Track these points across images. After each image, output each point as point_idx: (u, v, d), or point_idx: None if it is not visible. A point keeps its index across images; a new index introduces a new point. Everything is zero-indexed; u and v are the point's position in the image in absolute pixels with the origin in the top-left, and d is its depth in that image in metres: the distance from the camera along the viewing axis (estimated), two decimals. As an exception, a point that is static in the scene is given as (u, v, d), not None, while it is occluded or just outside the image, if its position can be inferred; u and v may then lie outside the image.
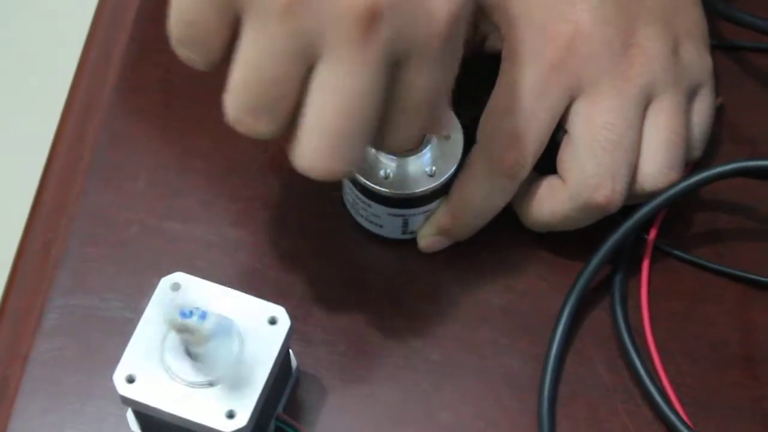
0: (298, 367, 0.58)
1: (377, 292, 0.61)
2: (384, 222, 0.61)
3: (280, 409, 0.57)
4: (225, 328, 0.52)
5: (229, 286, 0.55)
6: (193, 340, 0.51)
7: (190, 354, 0.52)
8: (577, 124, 0.59)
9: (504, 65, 0.59)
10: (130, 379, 0.53)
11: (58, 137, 0.66)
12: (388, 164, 0.59)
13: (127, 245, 0.62)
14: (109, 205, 0.63)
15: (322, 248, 0.62)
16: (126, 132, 0.65)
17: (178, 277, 0.55)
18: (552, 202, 0.60)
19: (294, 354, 0.58)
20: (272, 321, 0.54)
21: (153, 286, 0.56)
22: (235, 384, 0.53)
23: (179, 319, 0.50)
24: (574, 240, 0.61)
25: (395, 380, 0.59)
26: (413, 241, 0.62)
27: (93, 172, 0.64)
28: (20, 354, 0.60)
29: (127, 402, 0.53)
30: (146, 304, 0.55)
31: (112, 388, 0.53)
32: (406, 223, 0.61)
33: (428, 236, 0.61)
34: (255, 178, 0.64)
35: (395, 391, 0.59)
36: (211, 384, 0.53)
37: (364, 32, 0.49)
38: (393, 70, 0.51)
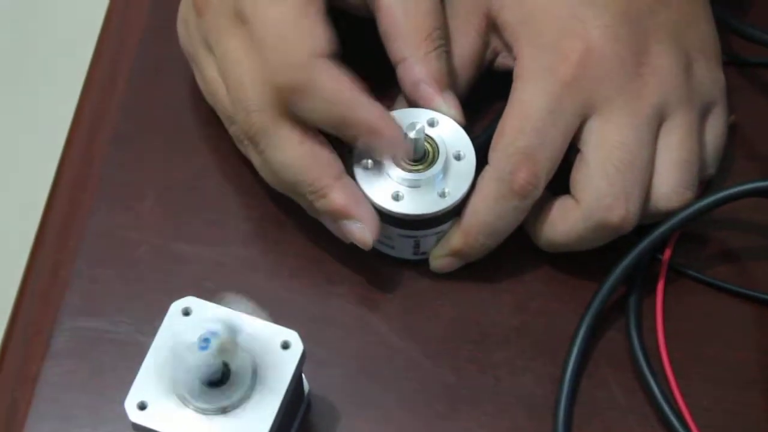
0: (310, 390, 0.57)
1: (389, 314, 0.60)
2: (395, 243, 0.60)
3: (292, 433, 0.57)
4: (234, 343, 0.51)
5: (239, 309, 0.54)
6: (228, 355, 0.50)
7: (208, 382, 0.52)
8: (590, 143, 0.58)
9: (516, 84, 0.59)
10: (142, 406, 0.52)
11: (65, 156, 0.65)
12: (399, 185, 0.58)
13: (136, 266, 0.62)
14: (117, 226, 0.63)
15: (333, 269, 0.61)
16: (134, 151, 0.65)
17: (189, 301, 0.54)
18: (565, 223, 0.59)
19: (306, 377, 0.57)
20: (285, 345, 0.53)
21: (163, 309, 0.55)
22: (249, 410, 0.52)
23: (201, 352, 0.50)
24: (588, 260, 0.60)
25: (409, 403, 0.58)
26: (425, 262, 0.61)
27: (101, 191, 0.64)
28: (30, 377, 0.59)
29: (138, 429, 0.52)
30: (157, 327, 0.54)
31: (123, 412, 0.52)
32: (417, 245, 0.60)
33: (440, 257, 0.61)
34: (264, 197, 0.63)
35: (409, 414, 0.58)
36: (223, 411, 0.52)
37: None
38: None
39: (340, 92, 0.57)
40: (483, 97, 0.63)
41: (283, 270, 0.62)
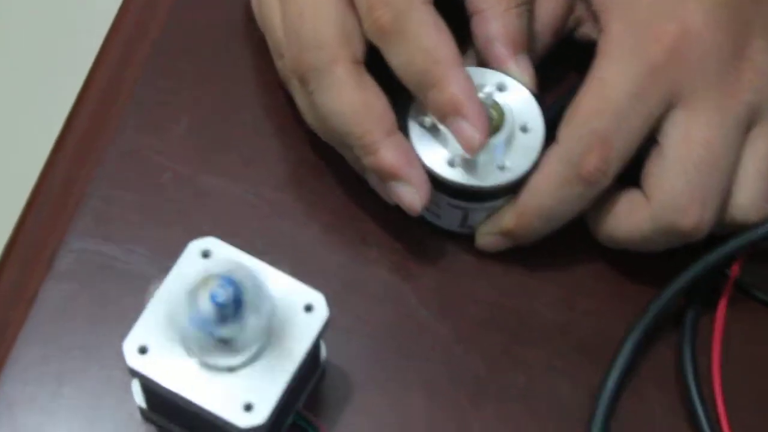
0: (327, 358, 0.52)
1: (424, 288, 0.55)
2: (442, 212, 0.55)
3: (301, 402, 0.52)
4: (256, 297, 0.46)
5: (262, 256, 0.49)
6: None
7: (213, 334, 0.47)
8: (671, 135, 0.53)
9: (598, 60, 0.54)
10: (143, 350, 0.47)
11: (97, 65, 0.60)
12: (456, 149, 0.53)
13: (157, 193, 0.57)
14: (143, 147, 0.58)
15: (369, 230, 0.56)
16: (174, 68, 0.60)
17: (210, 242, 0.49)
18: (631, 220, 0.54)
19: (324, 343, 0.52)
20: (308, 308, 0.48)
21: (180, 244, 0.51)
22: (259, 373, 0.47)
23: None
24: (648, 263, 0.55)
25: (431, 389, 0.53)
26: (470, 237, 0.56)
27: (131, 106, 0.59)
28: (26, 296, 0.54)
29: (135, 374, 0.48)
30: (171, 264, 0.49)
31: (121, 352, 0.47)
32: (465, 217, 0.55)
33: (488, 235, 0.55)
34: (305, 140, 0.58)
35: (429, 401, 0.53)
36: (231, 369, 0.47)
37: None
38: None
39: (438, 48, 0.52)
40: (556, 65, 0.58)
41: (314, 222, 0.56)
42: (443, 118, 0.52)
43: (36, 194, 0.56)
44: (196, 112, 0.59)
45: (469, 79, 0.52)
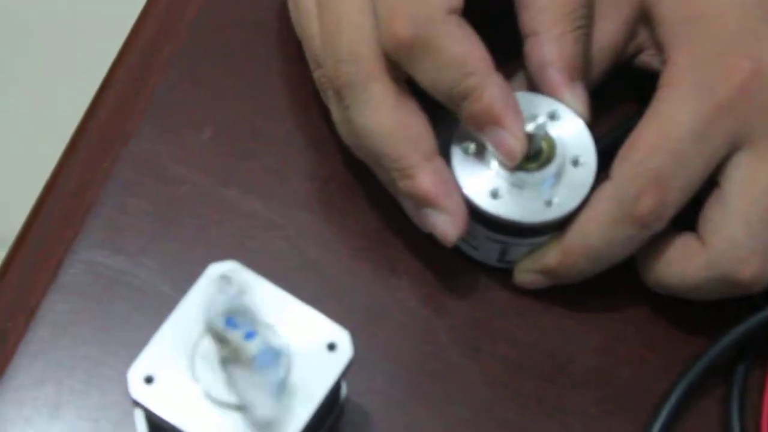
0: (347, 397, 0.48)
1: (454, 324, 0.51)
2: (480, 244, 0.51)
3: (316, 442, 0.48)
4: (271, 358, 0.42)
5: (284, 281, 0.45)
6: (229, 356, 0.42)
7: (226, 369, 0.43)
8: (734, 179, 0.49)
9: (661, 92, 0.50)
10: (149, 380, 0.44)
11: (117, 66, 0.56)
12: (501, 181, 0.49)
13: (174, 205, 0.53)
14: (161, 154, 0.54)
15: (400, 258, 0.52)
16: (197, 74, 0.56)
17: (231, 267, 0.45)
18: (684, 265, 0.50)
19: (345, 379, 0.48)
20: (331, 346, 0.44)
21: (195, 260, 0.47)
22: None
23: (220, 327, 0.41)
24: (698, 311, 0.52)
25: (457, 435, 0.50)
26: (508, 273, 0.52)
27: (152, 110, 0.55)
28: (27, 307, 0.51)
29: (138, 405, 0.44)
30: (184, 280, 0.45)
31: (125, 376, 0.44)
32: (505, 252, 0.51)
33: (528, 272, 0.51)
34: (337, 156, 0.54)
35: (455, 447, 0.49)
36: (244, 408, 0.43)
37: None
38: None
39: (469, 58, 0.48)
40: (610, 92, 0.54)
41: (342, 247, 0.52)
42: (480, 129, 0.49)
43: (44, 199, 0.53)
44: (220, 120, 0.55)
45: (504, 84, 0.48)
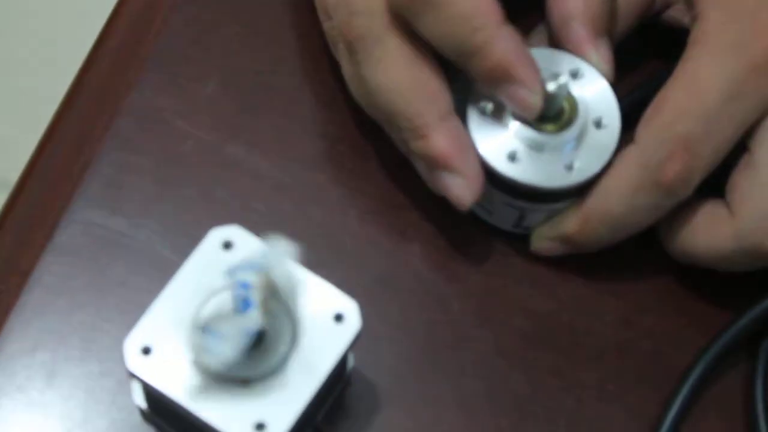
0: (354, 367, 0.46)
1: (467, 292, 0.49)
2: (495, 209, 0.49)
3: (320, 416, 0.46)
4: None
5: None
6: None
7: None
8: (765, 144, 0.46)
9: (690, 51, 0.47)
10: (146, 350, 0.41)
11: (116, 15, 0.53)
12: (519, 143, 0.46)
13: (176, 163, 0.50)
14: (163, 108, 0.51)
15: (412, 222, 0.50)
16: (204, 20, 0.53)
17: (233, 232, 0.43)
18: (710, 235, 0.47)
19: (352, 351, 0.46)
20: (338, 317, 0.42)
21: (197, 222, 0.46)
22: (276, 388, 0.41)
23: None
24: (723, 283, 0.49)
25: (468, 407, 0.47)
26: (524, 239, 0.50)
27: (153, 61, 0.52)
28: (20, 269, 0.48)
29: (135, 377, 0.42)
30: (185, 244, 0.43)
31: (122, 345, 0.41)
32: (521, 217, 0.49)
33: (545, 239, 0.49)
34: (347, 114, 0.51)
35: (464, 421, 0.47)
36: (244, 381, 0.41)
37: None
38: None
39: (477, 11, 0.45)
40: (634, 50, 0.51)
41: (351, 209, 0.50)
42: (494, 86, 0.46)
43: (39, 155, 0.50)
44: (225, 72, 0.52)
45: (516, 36, 0.45)
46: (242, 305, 0.39)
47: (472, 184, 0.46)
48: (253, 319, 0.39)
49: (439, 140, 0.46)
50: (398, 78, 0.46)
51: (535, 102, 0.46)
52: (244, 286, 0.40)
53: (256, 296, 0.39)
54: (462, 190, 0.47)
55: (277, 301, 0.41)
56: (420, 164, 0.48)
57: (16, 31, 1.32)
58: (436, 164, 0.46)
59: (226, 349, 0.39)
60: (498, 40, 0.45)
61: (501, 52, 0.45)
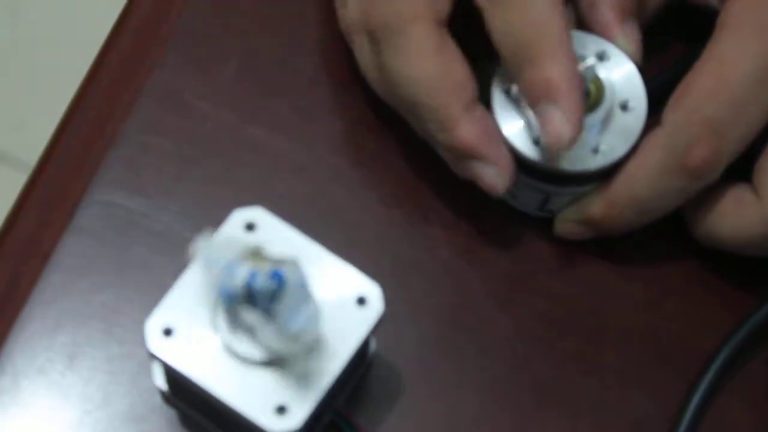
0: (376, 352, 0.46)
1: (490, 276, 0.49)
2: (520, 192, 0.48)
3: (342, 399, 0.45)
4: (301, 287, 0.40)
5: (311, 227, 0.43)
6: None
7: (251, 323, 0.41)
8: (794, 129, 0.46)
9: (718, 33, 0.46)
10: (167, 332, 0.41)
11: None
12: (545, 123, 0.46)
13: (198, 144, 0.50)
14: (185, 89, 0.51)
15: (433, 205, 0.50)
16: (225, 2, 0.53)
17: (256, 214, 0.43)
18: (737, 219, 0.47)
19: (374, 334, 0.45)
20: (361, 300, 0.42)
21: (219, 203, 0.45)
22: (297, 371, 0.41)
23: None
24: (749, 268, 0.49)
25: (489, 394, 0.47)
26: (549, 222, 0.49)
27: (175, 41, 0.52)
28: (41, 250, 0.48)
29: (156, 358, 0.41)
30: (206, 226, 0.43)
31: (143, 326, 0.41)
32: (546, 201, 0.48)
33: (570, 222, 0.49)
34: (368, 95, 0.50)
35: (487, 405, 0.47)
36: (266, 364, 0.41)
37: None
38: None
39: (549, 21, 0.44)
40: (661, 32, 0.51)
41: (372, 192, 0.50)
42: (534, 101, 0.45)
43: (60, 135, 0.50)
44: (247, 53, 0.52)
45: (575, 65, 0.45)
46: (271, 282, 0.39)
47: (504, 170, 0.46)
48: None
49: (465, 131, 0.45)
50: (422, 69, 0.46)
51: (566, 134, 0.45)
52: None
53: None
54: (494, 178, 0.46)
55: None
56: (446, 153, 0.47)
57: (37, 12, 1.32)
58: (464, 154, 0.46)
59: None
60: (557, 58, 0.44)
61: (556, 71, 0.44)
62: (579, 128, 0.45)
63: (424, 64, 0.45)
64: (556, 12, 0.44)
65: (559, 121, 0.44)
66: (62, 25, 1.30)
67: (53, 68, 1.21)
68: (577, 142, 0.45)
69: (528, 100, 0.45)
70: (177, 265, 0.42)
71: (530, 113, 0.46)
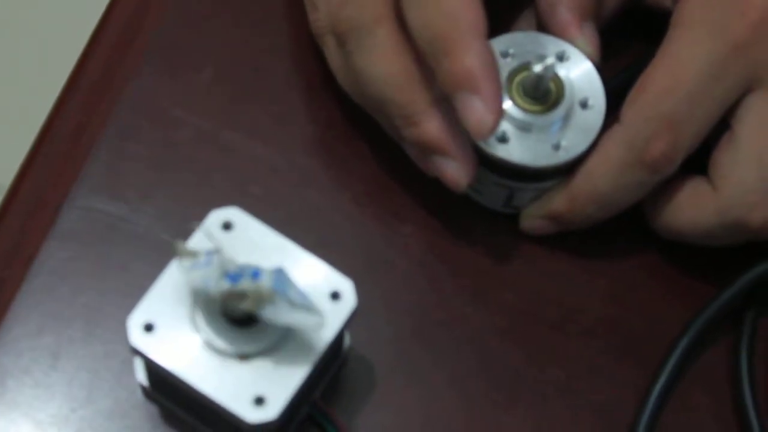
0: (351, 346, 0.48)
1: (459, 271, 0.50)
2: (485, 189, 0.50)
3: (318, 393, 0.47)
4: (281, 278, 0.41)
5: (285, 227, 0.45)
6: (254, 305, 0.41)
7: (233, 319, 0.42)
8: (746, 122, 0.48)
9: (672, 32, 0.48)
10: (148, 327, 0.43)
11: (113, 6, 0.54)
12: (507, 124, 0.48)
13: (174, 149, 0.52)
14: (161, 96, 0.52)
15: (403, 203, 0.51)
16: (197, 12, 0.54)
17: (233, 214, 0.44)
18: (694, 211, 0.49)
19: (348, 330, 0.47)
20: (334, 295, 0.43)
21: (196, 206, 0.47)
22: (274, 363, 0.42)
23: (231, 286, 0.40)
24: (707, 258, 0.51)
25: (462, 385, 0.49)
26: (514, 218, 0.51)
27: (151, 50, 0.53)
28: (24, 255, 0.49)
29: (137, 353, 0.43)
30: (185, 228, 0.44)
31: (124, 324, 0.43)
32: (511, 197, 0.50)
33: (535, 218, 0.50)
34: (339, 99, 0.52)
35: (459, 397, 0.48)
36: (244, 357, 0.42)
37: None
38: None
39: (461, 11, 0.45)
40: (622, 36, 0.53)
41: (344, 192, 0.51)
42: (452, 92, 0.46)
43: (40, 143, 0.51)
44: (221, 61, 0.53)
45: (490, 52, 0.45)
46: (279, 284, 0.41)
47: (466, 166, 0.48)
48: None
49: (431, 126, 0.47)
50: (389, 67, 0.47)
51: (488, 122, 0.45)
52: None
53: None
54: (457, 172, 0.48)
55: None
56: (412, 150, 0.49)
57: (14, 26, 1.33)
58: (430, 150, 0.48)
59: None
60: (472, 47, 0.45)
61: (471, 60, 0.45)
62: (499, 114, 0.46)
63: (390, 62, 0.47)
64: (470, 2, 0.45)
65: (480, 109, 0.45)
66: (38, 41, 1.32)
67: (31, 85, 1.22)
68: (540, 125, 0.47)
69: (447, 90, 0.46)
70: (156, 266, 0.44)
71: None
